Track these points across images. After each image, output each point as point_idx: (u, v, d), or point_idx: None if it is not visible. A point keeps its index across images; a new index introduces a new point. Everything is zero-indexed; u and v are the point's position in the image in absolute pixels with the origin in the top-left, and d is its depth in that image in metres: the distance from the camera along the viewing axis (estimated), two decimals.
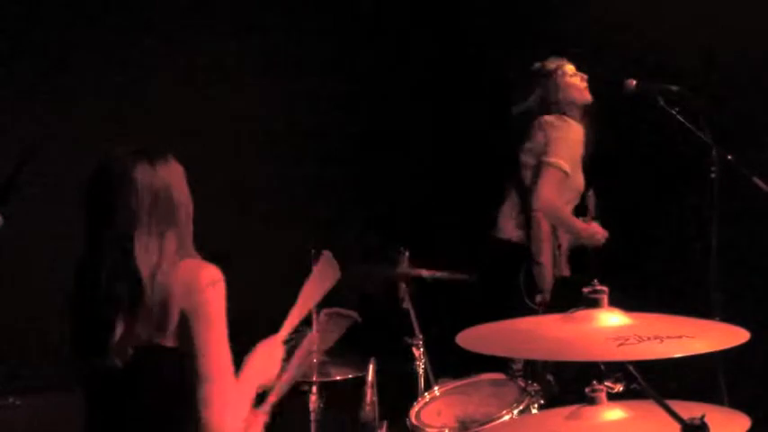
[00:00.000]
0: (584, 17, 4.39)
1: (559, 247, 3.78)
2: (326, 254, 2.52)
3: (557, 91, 3.84)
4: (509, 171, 3.86)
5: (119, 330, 2.08)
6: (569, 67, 3.89)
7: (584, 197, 3.84)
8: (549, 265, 3.68)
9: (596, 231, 3.84)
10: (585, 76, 3.89)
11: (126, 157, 2.16)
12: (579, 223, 3.80)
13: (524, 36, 4.73)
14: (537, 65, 3.94)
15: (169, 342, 2.10)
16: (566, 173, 3.72)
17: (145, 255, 2.10)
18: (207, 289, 2.11)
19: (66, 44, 3.88)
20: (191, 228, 2.22)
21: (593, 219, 3.82)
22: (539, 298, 3.46)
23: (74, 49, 3.87)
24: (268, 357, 2.33)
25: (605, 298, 2.00)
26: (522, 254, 3.68)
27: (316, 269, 2.50)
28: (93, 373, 2.16)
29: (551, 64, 3.92)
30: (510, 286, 3.61)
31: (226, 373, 2.13)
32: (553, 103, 3.84)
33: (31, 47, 3.79)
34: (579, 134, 3.80)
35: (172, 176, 2.18)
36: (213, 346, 2.11)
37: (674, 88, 3.53)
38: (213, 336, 2.11)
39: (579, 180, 3.85)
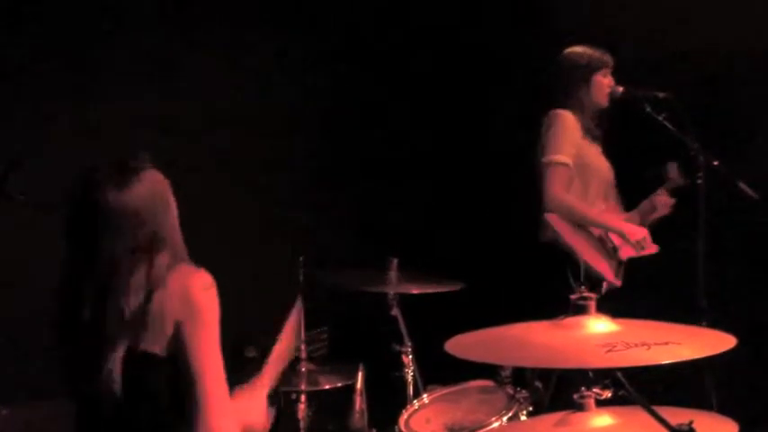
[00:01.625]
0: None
1: (608, 246, 3.68)
2: (299, 300, 2.53)
3: (585, 89, 3.73)
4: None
5: (112, 356, 2.06)
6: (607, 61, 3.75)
7: (659, 171, 3.70)
8: (594, 264, 3.57)
9: (629, 228, 3.68)
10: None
11: (94, 185, 2.10)
12: (603, 216, 3.69)
13: (522, 37, 4.75)
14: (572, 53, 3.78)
15: (162, 352, 2.08)
16: (566, 165, 3.62)
17: (133, 283, 2.06)
18: (199, 295, 2.09)
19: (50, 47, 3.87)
20: (178, 235, 2.19)
21: (672, 190, 3.68)
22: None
23: (60, 51, 3.86)
24: (254, 403, 2.31)
25: (593, 305, 2.00)
26: (563, 255, 3.53)
27: (292, 314, 2.50)
28: (86, 394, 2.15)
29: (585, 55, 3.76)
30: (557, 287, 3.51)
31: (218, 378, 2.11)
32: (570, 98, 3.72)
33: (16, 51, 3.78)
34: (570, 120, 3.68)
35: (145, 192, 2.12)
36: (206, 350, 2.08)
37: (661, 95, 3.55)
38: (206, 340, 2.09)
39: (599, 165, 3.73)
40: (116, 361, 2.06)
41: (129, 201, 2.10)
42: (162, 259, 2.11)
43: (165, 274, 2.09)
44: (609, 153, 3.83)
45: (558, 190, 3.60)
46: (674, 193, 3.79)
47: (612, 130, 3.86)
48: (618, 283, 3.65)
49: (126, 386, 2.08)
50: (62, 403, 2.26)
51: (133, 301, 2.06)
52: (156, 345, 2.07)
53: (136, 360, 2.07)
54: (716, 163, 3.59)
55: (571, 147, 3.64)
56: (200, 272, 2.14)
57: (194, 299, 2.08)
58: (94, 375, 2.07)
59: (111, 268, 2.08)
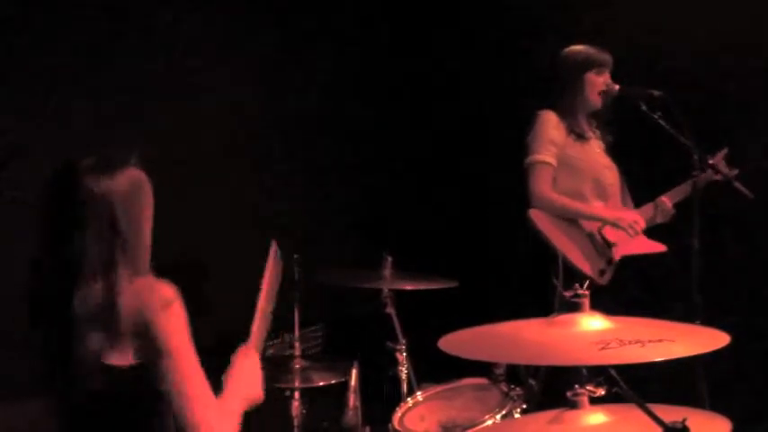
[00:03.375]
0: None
1: (600, 243, 3.68)
2: (274, 246, 2.44)
3: (578, 87, 3.72)
4: None
5: (81, 356, 2.03)
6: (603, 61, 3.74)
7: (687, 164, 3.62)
8: (575, 261, 3.59)
9: (618, 214, 3.68)
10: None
11: (75, 169, 2.06)
12: (591, 207, 3.69)
13: (520, 37, 4.76)
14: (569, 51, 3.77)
15: (125, 362, 2.04)
16: (548, 163, 3.65)
17: (92, 283, 2.03)
18: (160, 314, 2.02)
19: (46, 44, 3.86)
20: (144, 243, 2.12)
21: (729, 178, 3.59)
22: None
23: (55, 48, 3.84)
24: (247, 371, 2.26)
25: (587, 302, 2.00)
26: (546, 252, 3.56)
27: (268, 266, 2.44)
28: (62, 401, 2.13)
29: (581, 53, 3.76)
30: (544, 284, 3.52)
31: (198, 384, 2.07)
32: (563, 96, 3.73)
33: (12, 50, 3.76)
34: (551, 120, 3.69)
35: (126, 186, 2.07)
36: (178, 363, 2.03)
37: (656, 93, 3.55)
38: (175, 354, 2.03)
39: (591, 164, 3.73)
40: (87, 357, 2.03)
41: (106, 191, 2.05)
42: (120, 265, 2.04)
43: (125, 284, 2.04)
44: (615, 152, 3.85)
45: (543, 188, 3.64)
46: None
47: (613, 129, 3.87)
48: (601, 281, 3.65)
49: (95, 394, 2.05)
50: (45, 401, 2.25)
51: (92, 306, 2.02)
52: (121, 357, 2.04)
53: (109, 372, 2.04)
54: (711, 162, 3.60)
55: (551, 145, 3.67)
56: (160, 286, 2.06)
57: (154, 324, 2.02)
58: (68, 364, 2.04)
59: (76, 260, 2.03)
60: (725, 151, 3.67)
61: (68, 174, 2.07)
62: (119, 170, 2.09)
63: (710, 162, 3.58)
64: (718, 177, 3.63)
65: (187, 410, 2.04)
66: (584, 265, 3.61)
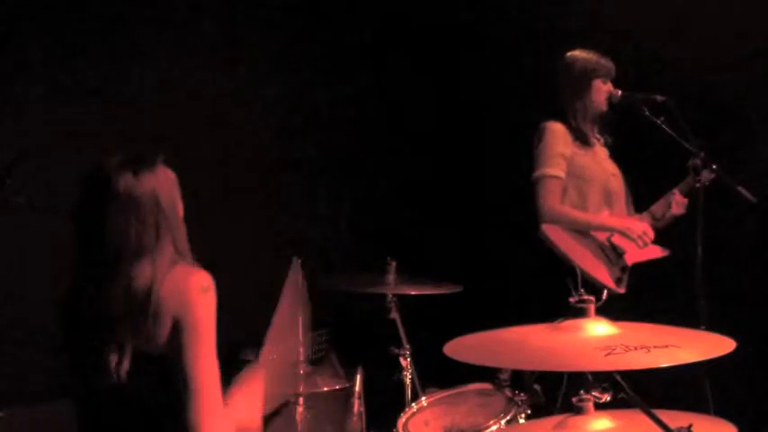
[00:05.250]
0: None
1: (612, 252, 3.68)
2: (295, 262, 2.48)
3: (585, 94, 3.72)
4: None
5: (116, 348, 2.08)
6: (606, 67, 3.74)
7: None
8: (593, 272, 3.58)
9: (627, 223, 3.67)
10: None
11: (109, 170, 2.14)
12: (599, 218, 3.68)
13: (521, 39, 4.76)
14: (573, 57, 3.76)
15: (159, 350, 2.09)
16: (557, 177, 3.64)
17: (138, 271, 2.09)
18: (197, 295, 2.10)
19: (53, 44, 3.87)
20: (183, 232, 2.21)
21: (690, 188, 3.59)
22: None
23: (59, 50, 3.85)
24: (249, 395, 2.31)
25: (592, 307, 2.00)
26: (562, 265, 3.56)
27: (289, 280, 2.47)
28: (89, 389, 2.15)
29: (585, 60, 3.74)
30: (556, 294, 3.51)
31: (213, 382, 2.11)
32: (568, 104, 3.72)
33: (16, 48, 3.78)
34: (558, 131, 3.68)
35: (158, 185, 2.17)
36: (201, 353, 2.09)
37: (660, 98, 3.55)
38: (201, 343, 2.09)
39: (597, 172, 3.72)
40: (124, 355, 2.07)
41: (142, 188, 2.13)
42: (164, 254, 2.13)
43: (166, 270, 2.11)
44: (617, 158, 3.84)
45: (552, 202, 3.63)
46: (690, 192, 3.72)
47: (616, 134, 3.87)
48: (620, 290, 3.65)
49: (124, 379, 2.09)
50: (59, 407, 2.26)
51: (135, 293, 2.08)
52: (150, 343, 2.08)
53: (135, 359, 2.08)
54: (714, 166, 3.60)
55: (560, 158, 3.66)
56: (200, 272, 2.15)
57: (191, 299, 2.09)
58: (100, 368, 2.08)
59: (116, 254, 2.10)
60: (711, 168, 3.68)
61: (107, 171, 2.14)
62: (156, 166, 2.19)
63: (714, 166, 3.58)
64: (719, 181, 3.63)
65: (193, 393, 2.07)
66: (602, 276, 3.60)
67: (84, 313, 2.13)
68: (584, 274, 3.49)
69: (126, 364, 2.08)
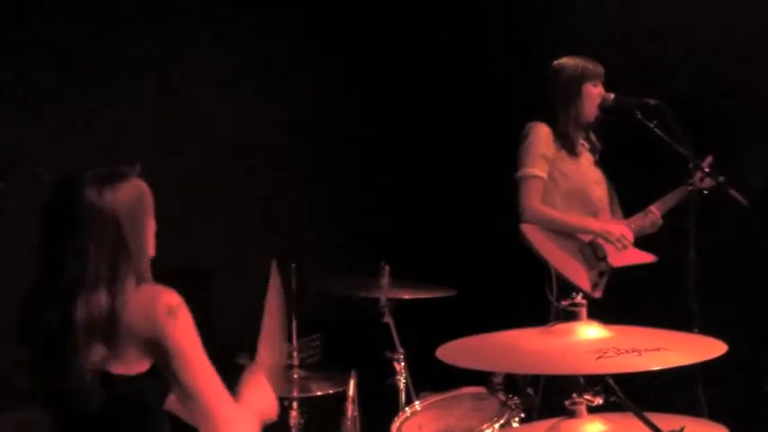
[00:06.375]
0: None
1: (592, 255, 3.69)
2: (273, 265, 2.47)
3: (575, 99, 3.73)
4: None
5: (80, 368, 2.03)
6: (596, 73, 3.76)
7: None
8: (568, 274, 3.60)
9: (606, 227, 3.69)
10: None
11: (76, 186, 2.08)
12: (580, 219, 3.69)
13: (508, 46, 4.77)
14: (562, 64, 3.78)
15: (128, 370, 2.05)
16: (538, 177, 3.66)
17: (97, 295, 2.03)
18: (168, 320, 2.04)
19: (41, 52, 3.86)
20: (146, 252, 2.15)
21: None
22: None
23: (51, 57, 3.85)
24: (259, 390, 2.30)
25: (584, 311, 2.01)
26: (540, 265, 3.60)
27: (271, 284, 2.46)
28: (59, 412, 2.12)
29: (575, 65, 3.76)
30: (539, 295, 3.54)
31: (218, 388, 2.10)
32: (558, 109, 3.73)
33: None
34: (543, 132, 3.70)
35: (128, 198, 2.10)
36: (196, 369, 2.07)
37: (652, 102, 3.56)
38: (191, 361, 2.07)
39: (580, 179, 3.74)
40: (85, 369, 2.03)
41: (108, 203, 2.07)
42: (125, 276, 2.06)
43: (130, 292, 2.05)
44: (607, 162, 3.86)
45: (533, 202, 3.66)
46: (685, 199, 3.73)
47: (605, 139, 3.88)
48: (595, 294, 3.66)
49: (98, 402, 2.05)
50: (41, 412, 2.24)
51: (96, 317, 2.02)
52: (125, 365, 2.05)
53: (111, 382, 2.05)
54: (706, 169, 3.61)
55: (543, 158, 3.68)
56: (166, 292, 2.09)
57: (163, 326, 2.04)
58: (64, 378, 2.04)
59: (78, 271, 2.04)
60: (710, 159, 3.68)
61: (71, 186, 2.09)
62: (121, 182, 2.11)
63: (706, 169, 3.60)
64: (711, 185, 3.64)
65: (204, 408, 2.07)
66: (577, 279, 3.62)
67: (43, 337, 2.07)
68: (559, 275, 3.52)
69: (95, 389, 2.03)
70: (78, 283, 2.04)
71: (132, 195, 2.12)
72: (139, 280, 2.10)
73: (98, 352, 2.03)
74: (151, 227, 2.18)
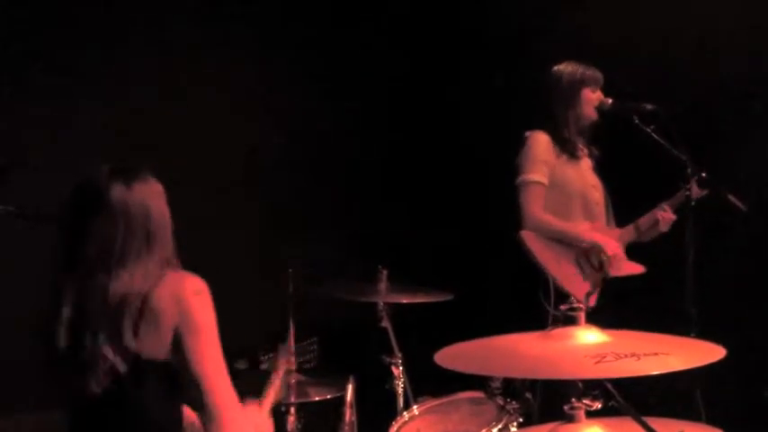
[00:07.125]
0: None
1: (588, 264, 3.70)
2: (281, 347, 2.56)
3: (573, 104, 3.74)
4: None
5: (107, 356, 2.08)
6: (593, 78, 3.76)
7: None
8: (564, 282, 3.60)
9: (603, 241, 3.68)
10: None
11: (101, 179, 2.16)
12: (576, 229, 3.70)
13: (508, 52, 4.78)
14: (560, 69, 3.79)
15: (163, 356, 2.11)
16: (539, 183, 3.67)
17: (126, 278, 2.10)
18: (193, 298, 2.13)
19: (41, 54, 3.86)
20: (171, 243, 2.23)
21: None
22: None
23: (51, 60, 3.85)
24: (257, 420, 2.34)
25: (582, 316, 2.01)
26: (537, 272, 3.62)
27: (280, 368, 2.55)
28: (79, 397, 2.14)
29: (573, 71, 3.77)
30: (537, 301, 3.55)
31: (224, 380, 2.14)
32: (556, 114, 3.74)
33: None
34: (542, 140, 3.72)
35: (148, 195, 2.19)
36: (208, 354, 2.12)
37: (650, 107, 3.57)
38: (206, 344, 2.12)
39: (579, 184, 3.75)
40: (116, 360, 2.08)
41: (134, 197, 2.16)
42: (155, 262, 2.15)
43: (158, 277, 2.13)
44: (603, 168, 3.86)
45: (534, 208, 3.67)
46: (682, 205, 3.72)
47: (603, 144, 3.88)
48: (589, 303, 3.65)
49: (120, 387, 2.09)
50: (48, 414, 2.25)
51: (124, 300, 2.08)
52: (152, 350, 2.09)
53: (138, 366, 2.09)
54: (704, 175, 3.61)
55: (543, 165, 3.69)
56: (192, 276, 2.18)
57: (188, 303, 2.11)
58: (89, 375, 2.08)
59: (104, 260, 2.11)
60: (704, 174, 3.68)
61: (100, 179, 2.17)
62: (146, 177, 2.22)
63: (704, 175, 3.60)
64: (703, 194, 3.64)
65: (209, 396, 2.10)
66: (572, 287, 3.62)
67: (72, 319, 2.12)
68: (555, 283, 3.53)
69: (123, 370, 2.08)
70: (106, 269, 2.11)
71: (158, 190, 2.23)
72: (167, 266, 2.18)
73: (128, 336, 2.08)
74: (169, 216, 2.26)
